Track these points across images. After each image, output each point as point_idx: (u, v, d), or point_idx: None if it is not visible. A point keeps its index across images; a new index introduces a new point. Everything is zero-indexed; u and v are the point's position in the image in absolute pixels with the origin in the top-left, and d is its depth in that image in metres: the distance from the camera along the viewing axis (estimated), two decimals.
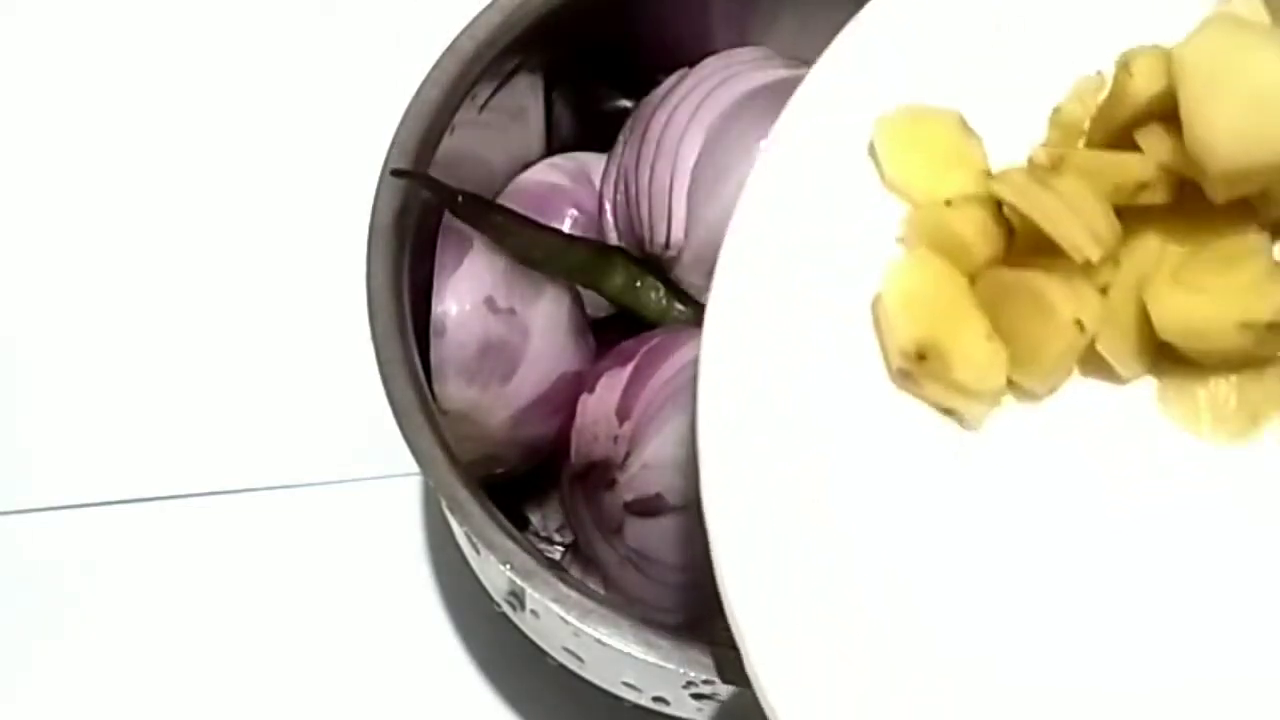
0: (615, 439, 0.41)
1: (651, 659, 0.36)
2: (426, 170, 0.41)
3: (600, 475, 0.41)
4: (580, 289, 0.45)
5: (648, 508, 0.41)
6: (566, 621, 0.37)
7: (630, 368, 0.42)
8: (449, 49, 0.42)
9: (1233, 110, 0.31)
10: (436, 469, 0.38)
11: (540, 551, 0.38)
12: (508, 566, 0.37)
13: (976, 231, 0.34)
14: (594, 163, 0.46)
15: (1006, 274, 0.34)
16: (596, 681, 0.42)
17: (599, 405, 0.42)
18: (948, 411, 0.34)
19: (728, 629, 0.31)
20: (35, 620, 0.49)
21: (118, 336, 0.53)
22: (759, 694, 0.30)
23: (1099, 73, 0.35)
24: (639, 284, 0.45)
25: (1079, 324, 0.33)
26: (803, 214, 0.34)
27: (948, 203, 0.34)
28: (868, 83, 0.35)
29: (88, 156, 0.56)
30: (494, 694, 0.48)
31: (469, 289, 0.42)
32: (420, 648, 0.49)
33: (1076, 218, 0.33)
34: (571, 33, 0.44)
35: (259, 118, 0.57)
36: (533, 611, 0.40)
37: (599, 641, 0.37)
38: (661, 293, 0.45)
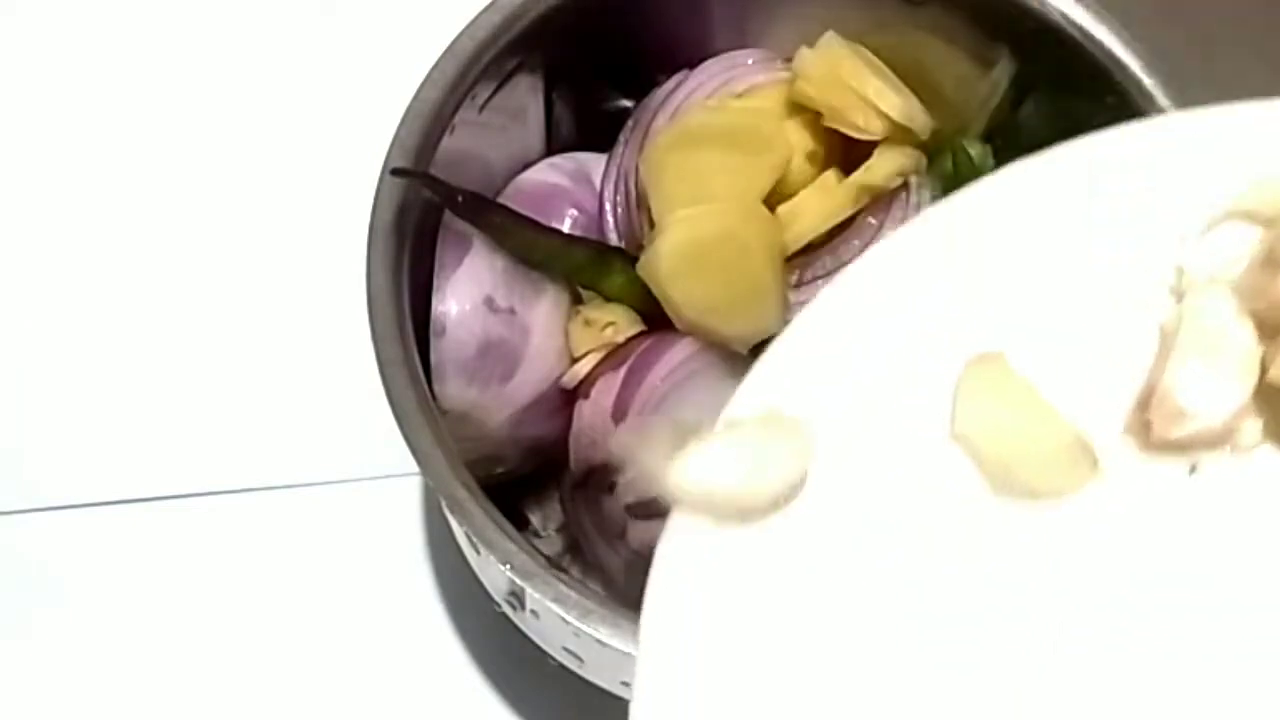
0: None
1: None
2: (427, 170, 0.41)
3: (600, 479, 0.41)
4: (580, 289, 0.45)
5: (649, 509, 0.41)
6: (566, 621, 0.37)
7: (624, 369, 0.42)
8: (449, 49, 0.42)
9: None
10: (436, 469, 0.38)
11: (540, 551, 0.38)
12: (508, 566, 0.37)
13: None
14: (594, 163, 0.46)
15: None
16: (596, 681, 0.42)
17: (595, 409, 0.42)
18: None
19: None
20: (35, 620, 0.49)
21: (117, 337, 0.53)
22: None
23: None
24: (638, 284, 0.45)
25: None
26: None
27: None
28: None
29: (88, 156, 0.56)
30: (494, 694, 0.48)
31: (469, 289, 0.42)
32: (420, 648, 0.49)
33: None
34: (571, 33, 0.44)
35: (259, 118, 0.57)
36: (533, 611, 0.40)
37: (599, 641, 0.37)
38: None
